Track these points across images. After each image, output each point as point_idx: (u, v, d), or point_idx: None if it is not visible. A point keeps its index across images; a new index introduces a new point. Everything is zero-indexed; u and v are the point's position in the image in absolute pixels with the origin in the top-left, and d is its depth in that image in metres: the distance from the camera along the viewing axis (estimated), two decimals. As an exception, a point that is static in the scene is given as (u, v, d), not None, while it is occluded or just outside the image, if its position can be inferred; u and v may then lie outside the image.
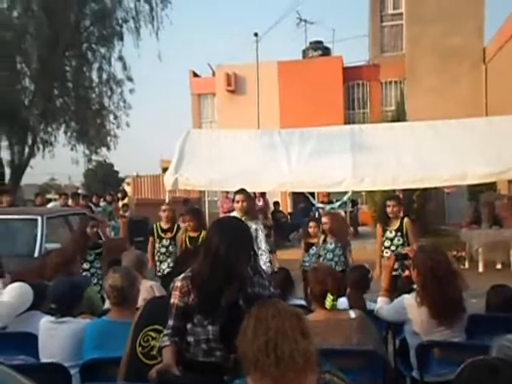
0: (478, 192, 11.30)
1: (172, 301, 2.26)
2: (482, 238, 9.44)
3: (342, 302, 3.28)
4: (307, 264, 5.89)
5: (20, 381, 1.41)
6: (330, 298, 2.72)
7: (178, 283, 2.27)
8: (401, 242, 5.42)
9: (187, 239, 5.99)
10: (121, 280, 2.87)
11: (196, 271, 2.24)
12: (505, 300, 3.24)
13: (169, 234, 6.28)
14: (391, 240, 5.48)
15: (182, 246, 6.00)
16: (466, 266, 9.54)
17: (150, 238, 6.44)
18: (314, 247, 5.86)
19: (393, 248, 5.42)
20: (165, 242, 6.27)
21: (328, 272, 2.91)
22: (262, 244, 5.13)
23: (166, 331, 2.26)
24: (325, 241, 5.68)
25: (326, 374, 1.56)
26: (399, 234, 5.45)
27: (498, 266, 9.48)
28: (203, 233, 5.82)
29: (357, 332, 2.69)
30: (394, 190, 9.22)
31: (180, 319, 2.24)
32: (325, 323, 2.71)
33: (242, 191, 5.37)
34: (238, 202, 5.26)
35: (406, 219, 5.51)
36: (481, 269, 9.22)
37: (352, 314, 2.79)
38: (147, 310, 2.59)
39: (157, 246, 6.31)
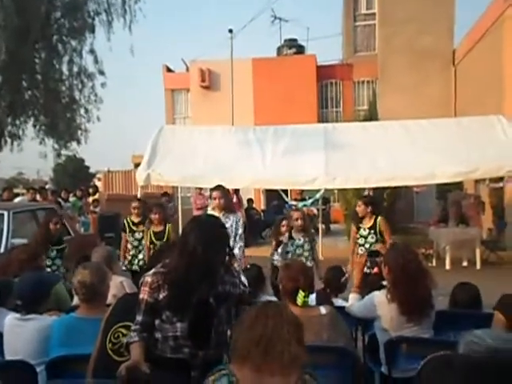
0: (445, 191, 11.55)
1: (141, 296, 2.23)
2: (450, 237, 9.65)
3: (312, 298, 3.30)
4: (276, 260, 5.90)
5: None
6: (301, 294, 2.74)
7: (148, 278, 2.24)
8: (374, 239, 5.53)
9: (151, 234, 6.02)
10: (90, 276, 2.83)
11: (171, 267, 2.22)
12: (469, 297, 3.32)
13: (141, 227, 6.28)
14: (365, 238, 5.60)
15: (148, 242, 6.03)
16: (434, 263, 9.75)
17: (123, 234, 6.41)
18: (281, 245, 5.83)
19: (367, 245, 5.54)
20: (137, 236, 6.26)
21: (300, 269, 2.92)
22: (238, 237, 5.20)
23: (134, 327, 2.22)
24: (291, 237, 5.66)
25: (306, 374, 1.60)
26: (372, 231, 5.56)
27: (464, 264, 9.71)
28: (168, 226, 6.05)
29: (327, 328, 2.72)
30: (364, 189, 9.37)
31: (149, 315, 2.21)
32: None
33: (218, 187, 5.35)
34: (214, 198, 5.24)
35: (379, 217, 5.62)
36: (448, 266, 9.42)
37: (323, 310, 2.81)
38: (119, 307, 2.56)
39: (130, 239, 6.30)
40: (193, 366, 2.20)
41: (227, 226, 5.21)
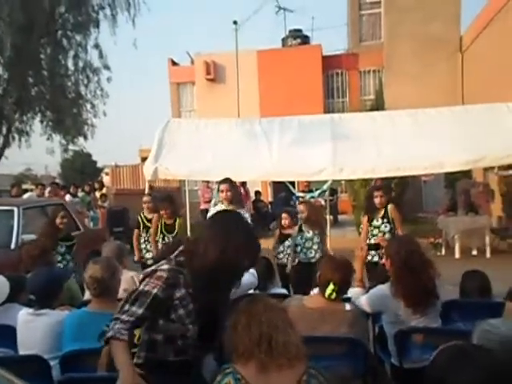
0: (454, 180, 11.48)
1: (148, 289, 1.98)
2: (459, 225, 9.61)
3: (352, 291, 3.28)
4: (281, 256, 5.90)
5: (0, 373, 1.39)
6: (331, 287, 2.76)
7: (163, 274, 2.02)
8: (388, 228, 5.45)
9: (163, 225, 6.03)
10: (101, 271, 2.85)
11: (199, 266, 2.01)
12: (479, 285, 3.30)
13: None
14: (378, 228, 5.51)
15: (157, 232, 6.04)
16: (443, 252, 9.73)
17: (136, 230, 6.36)
18: (289, 239, 5.82)
19: (380, 235, 5.45)
20: (151, 231, 6.21)
21: (340, 264, 2.89)
22: None
23: (126, 317, 1.92)
24: (301, 230, 5.67)
25: (311, 368, 1.60)
26: (385, 220, 5.48)
27: (474, 253, 9.68)
28: (178, 220, 6.08)
29: (348, 324, 2.73)
30: (372, 179, 9.32)
31: (152, 311, 1.96)
32: (319, 311, 2.75)
33: (226, 180, 5.34)
34: (222, 191, 5.23)
35: (389, 206, 5.53)
36: (457, 255, 9.40)
37: (347, 306, 2.83)
38: None
39: (143, 235, 6.27)
40: (193, 368, 2.10)
41: None
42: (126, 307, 1.96)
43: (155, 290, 1.97)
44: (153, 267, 2.12)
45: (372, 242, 5.47)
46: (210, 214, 5.33)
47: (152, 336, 2.07)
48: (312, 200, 14.59)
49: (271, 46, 19.66)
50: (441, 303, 3.02)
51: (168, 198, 6.36)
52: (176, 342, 2.04)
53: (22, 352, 2.85)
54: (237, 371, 1.57)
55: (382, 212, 5.52)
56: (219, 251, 1.94)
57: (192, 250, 2.04)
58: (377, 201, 5.51)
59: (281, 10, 20.91)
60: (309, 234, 5.59)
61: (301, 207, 5.76)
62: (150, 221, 6.25)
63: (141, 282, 2.09)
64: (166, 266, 2.07)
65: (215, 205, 5.50)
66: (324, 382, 1.59)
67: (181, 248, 2.17)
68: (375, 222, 5.53)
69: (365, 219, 5.71)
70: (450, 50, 15.95)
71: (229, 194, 5.20)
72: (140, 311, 1.94)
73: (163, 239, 6.00)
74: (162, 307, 2.00)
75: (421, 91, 14.61)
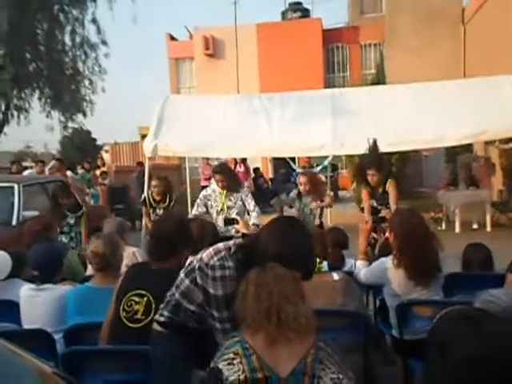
0: (454, 154, 11.44)
1: (223, 293, 1.99)
2: (459, 199, 9.61)
3: (324, 264, 3.32)
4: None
5: (6, 346, 1.40)
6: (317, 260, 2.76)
7: (232, 273, 2.00)
8: (387, 200, 5.28)
9: (152, 200, 6.19)
10: (103, 246, 2.87)
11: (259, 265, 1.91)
12: (481, 258, 3.31)
13: (162, 204, 6.24)
14: (377, 200, 5.35)
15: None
16: (443, 227, 9.76)
17: (144, 209, 6.40)
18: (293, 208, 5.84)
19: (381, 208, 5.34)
20: (158, 212, 6.22)
21: (317, 236, 2.93)
22: (251, 206, 5.32)
23: (226, 326, 2.01)
24: (300, 196, 5.65)
25: (320, 341, 1.60)
26: (386, 195, 5.36)
27: (475, 226, 9.70)
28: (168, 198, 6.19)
29: (341, 293, 2.75)
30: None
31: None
32: (310, 285, 2.76)
33: (220, 170, 5.32)
34: (218, 181, 5.26)
35: (389, 180, 5.36)
36: (457, 229, 9.42)
37: (335, 276, 2.85)
38: (130, 276, 2.58)
39: (151, 215, 6.29)
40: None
41: (232, 204, 5.26)
42: (216, 314, 2.02)
43: (230, 290, 1.97)
44: (216, 261, 2.03)
45: (378, 216, 5.27)
46: (205, 193, 5.38)
47: (182, 302, 2.11)
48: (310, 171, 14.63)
49: (271, 19, 19.37)
50: (443, 276, 3.04)
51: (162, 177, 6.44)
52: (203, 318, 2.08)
53: (26, 327, 2.88)
54: (245, 341, 1.57)
55: (381, 189, 5.37)
56: (278, 250, 1.90)
57: (251, 246, 2.02)
58: (370, 179, 5.33)
59: (280, -17, 20.55)
60: (307, 199, 5.57)
61: (301, 179, 5.68)
62: (157, 202, 6.23)
63: (205, 276, 2.05)
64: (231, 264, 2.02)
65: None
66: (332, 354, 1.59)
67: (238, 241, 2.13)
68: (375, 195, 5.38)
69: (365, 194, 5.63)
70: (452, 22, 15.73)
71: (224, 184, 5.21)
72: (227, 314, 1.98)
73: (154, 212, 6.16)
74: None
75: (422, 65, 14.44)
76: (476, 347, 1.35)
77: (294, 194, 5.74)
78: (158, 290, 2.39)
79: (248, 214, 5.42)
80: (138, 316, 2.41)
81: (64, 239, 5.59)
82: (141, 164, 12.69)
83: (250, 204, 5.34)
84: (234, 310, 1.92)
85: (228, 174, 5.34)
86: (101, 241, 2.90)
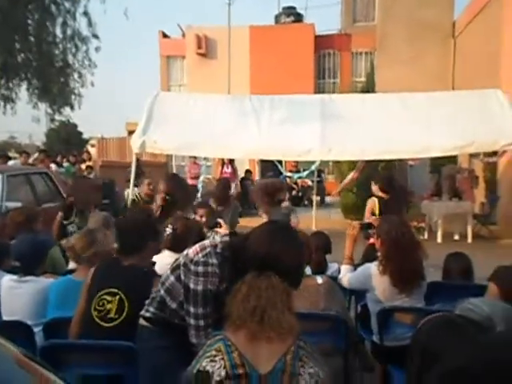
0: (439, 165, 11.56)
1: (203, 288, 2.01)
2: (442, 210, 9.73)
3: (307, 269, 3.33)
4: None
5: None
6: None
7: (215, 270, 2.02)
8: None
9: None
10: (81, 240, 2.90)
11: (246, 264, 1.91)
12: (462, 267, 3.36)
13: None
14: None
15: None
16: (426, 236, 9.86)
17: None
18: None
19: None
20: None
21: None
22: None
23: (201, 322, 2.04)
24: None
25: (300, 341, 1.63)
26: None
27: (456, 237, 9.83)
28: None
29: (324, 297, 2.77)
30: (357, 161, 9.38)
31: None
32: None
33: (203, 205, 5.16)
34: (201, 216, 4.89)
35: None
36: (439, 239, 9.53)
37: (319, 279, 2.86)
38: (100, 272, 2.54)
39: None
40: None
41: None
42: (192, 310, 2.03)
43: (210, 287, 2.01)
44: (200, 257, 2.04)
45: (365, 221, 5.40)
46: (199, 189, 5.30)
47: (165, 299, 2.13)
48: (299, 180, 14.69)
49: (264, 22, 19.42)
50: (426, 285, 3.08)
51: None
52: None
53: (5, 318, 2.84)
54: (227, 338, 1.60)
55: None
56: (267, 254, 1.86)
57: (239, 246, 1.99)
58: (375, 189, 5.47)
59: (275, -14, 20.62)
60: None
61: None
62: (147, 202, 6.08)
63: (188, 271, 2.05)
64: (215, 261, 2.03)
65: (203, 182, 5.45)
66: (312, 352, 1.62)
67: (225, 240, 2.12)
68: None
69: (373, 203, 5.61)
70: (443, 34, 15.92)
71: (205, 219, 4.83)
72: (202, 311, 2.03)
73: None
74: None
75: (412, 75, 14.59)
76: (469, 357, 1.36)
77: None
78: (129, 288, 2.39)
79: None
80: (111, 315, 2.38)
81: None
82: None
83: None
84: (210, 307, 2.00)
85: (209, 209, 5.04)
86: (80, 235, 2.89)
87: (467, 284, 3.26)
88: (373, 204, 5.51)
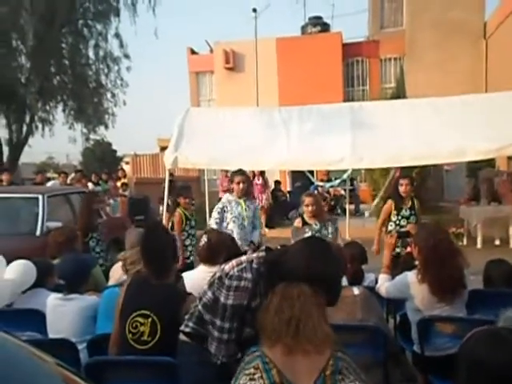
0: (476, 169, 11.30)
1: (235, 303, 2.03)
2: (481, 215, 9.48)
3: (343, 280, 3.30)
4: None
5: (33, 352, 1.44)
6: None
7: (248, 284, 2.02)
8: (415, 220, 5.39)
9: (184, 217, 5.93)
10: (132, 255, 3.00)
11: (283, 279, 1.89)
12: (504, 274, 3.27)
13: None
14: (407, 218, 5.43)
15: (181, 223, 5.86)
16: (465, 242, 9.62)
17: (176, 226, 5.91)
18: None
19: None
20: (193, 223, 6.07)
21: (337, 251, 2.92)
22: (257, 223, 5.36)
23: (225, 336, 2.07)
24: (305, 223, 5.19)
25: (338, 352, 1.61)
26: (413, 212, 5.45)
27: (497, 243, 9.55)
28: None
29: (360, 308, 2.74)
30: (391, 168, 9.25)
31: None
32: None
33: (240, 173, 5.37)
34: (238, 183, 5.24)
35: (416, 199, 5.54)
36: (479, 245, 9.28)
37: (355, 290, 2.84)
38: (132, 293, 2.56)
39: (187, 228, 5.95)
40: None
41: (250, 214, 5.25)
42: (218, 323, 2.06)
43: (244, 302, 2.03)
44: (235, 271, 2.06)
45: (402, 230, 5.19)
46: (221, 205, 5.27)
47: (203, 314, 2.15)
48: (331, 189, 14.60)
49: (290, 34, 19.50)
50: (467, 293, 3.01)
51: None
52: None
53: (51, 336, 2.93)
54: (265, 354, 1.59)
55: (410, 203, 5.49)
56: (306, 270, 1.83)
57: (277, 262, 1.98)
58: (402, 189, 5.48)
59: (300, -3, 20.67)
60: (316, 226, 5.14)
61: (307, 200, 5.20)
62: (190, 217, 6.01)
63: (221, 285, 2.07)
64: (249, 275, 2.04)
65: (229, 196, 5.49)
66: (350, 362, 1.60)
67: (261, 255, 2.12)
68: (404, 212, 5.44)
69: (388, 206, 5.60)
70: (473, 36, 15.64)
71: (244, 185, 5.23)
72: (228, 325, 2.05)
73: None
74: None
75: (443, 79, 14.38)
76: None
77: (298, 223, 5.24)
78: (160, 309, 2.43)
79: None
80: (145, 338, 2.42)
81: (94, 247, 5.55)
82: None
83: (256, 221, 5.31)
84: (237, 322, 2.01)
85: (247, 177, 5.37)
86: (135, 250, 2.96)
87: (510, 291, 3.17)
88: (389, 206, 5.55)
